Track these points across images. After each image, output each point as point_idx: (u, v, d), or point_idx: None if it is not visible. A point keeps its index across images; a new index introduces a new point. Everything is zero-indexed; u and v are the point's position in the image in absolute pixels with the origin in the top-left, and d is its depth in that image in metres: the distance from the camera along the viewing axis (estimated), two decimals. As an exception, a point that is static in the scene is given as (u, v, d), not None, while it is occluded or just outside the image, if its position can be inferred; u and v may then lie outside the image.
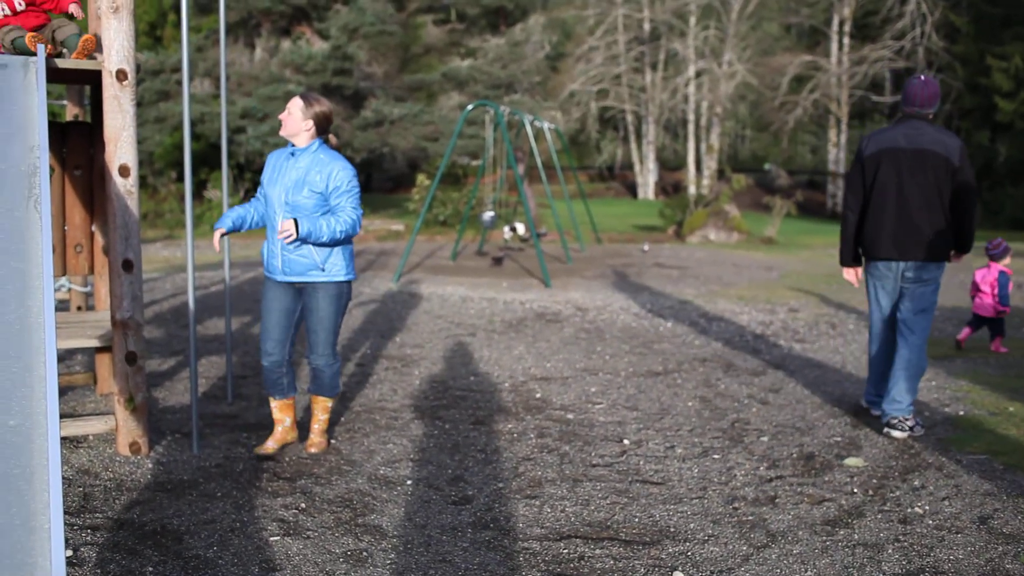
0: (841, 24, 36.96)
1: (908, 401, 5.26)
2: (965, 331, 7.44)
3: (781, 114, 36.84)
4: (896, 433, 5.24)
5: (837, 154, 38.32)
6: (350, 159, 20.18)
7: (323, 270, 4.58)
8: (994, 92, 30.39)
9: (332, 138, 4.76)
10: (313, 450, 4.82)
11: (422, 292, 11.11)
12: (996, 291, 7.38)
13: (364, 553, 3.57)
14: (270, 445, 4.79)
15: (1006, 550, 3.65)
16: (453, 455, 4.82)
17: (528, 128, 15.50)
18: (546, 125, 18.08)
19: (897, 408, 5.26)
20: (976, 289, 7.56)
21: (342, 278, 4.63)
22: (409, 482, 4.39)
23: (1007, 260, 7.57)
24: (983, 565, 3.51)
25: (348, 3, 26.68)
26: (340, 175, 4.53)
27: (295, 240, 4.46)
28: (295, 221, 4.40)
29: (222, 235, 4.72)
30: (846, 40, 37.07)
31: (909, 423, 5.27)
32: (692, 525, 3.89)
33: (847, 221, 5.50)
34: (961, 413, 5.76)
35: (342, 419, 5.49)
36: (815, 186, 42.28)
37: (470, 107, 13.43)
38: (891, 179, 5.27)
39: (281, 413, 4.86)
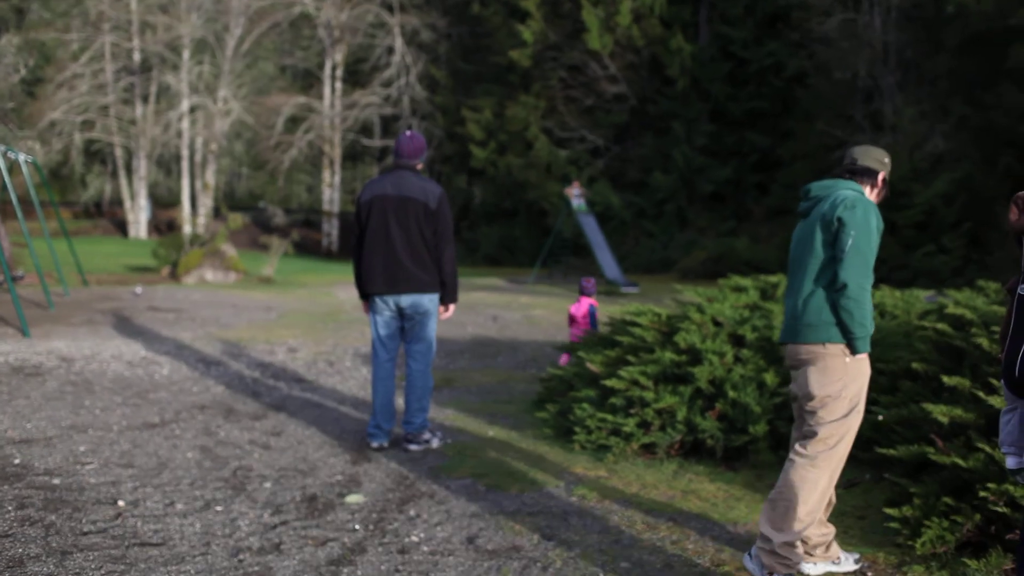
0: (334, 69, 38.49)
1: (421, 419, 6.03)
2: (564, 357, 8.07)
3: (277, 153, 37.31)
4: (414, 447, 5.98)
5: (332, 194, 39.71)
6: None
7: None
8: (469, 140, 33.57)
9: None
10: None
11: None
12: (588, 322, 8.14)
13: None
14: None
15: (491, 566, 4.01)
16: (-91, 540, 4.17)
17: (0, 160, 14.01)
18: (22, 157, 16.48)
19: (412, 426, 6.00)
20: (572, 320, 8.29)
21: None
22: None
23: (593, 295, 8.42)
24: (470, 584, 3.82)
25: None
26: None
27: None
28: None
29: None
30: (338, 84, 38.66)
31: (425, 437, 6.04)
32: (194, 585, 3.76)
33: (354, 261, 6.10)
34: (449, 441, 6.24)
35: None
36: (311, 225, 43.36)
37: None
38: (381, 223, 5.88)
39: None
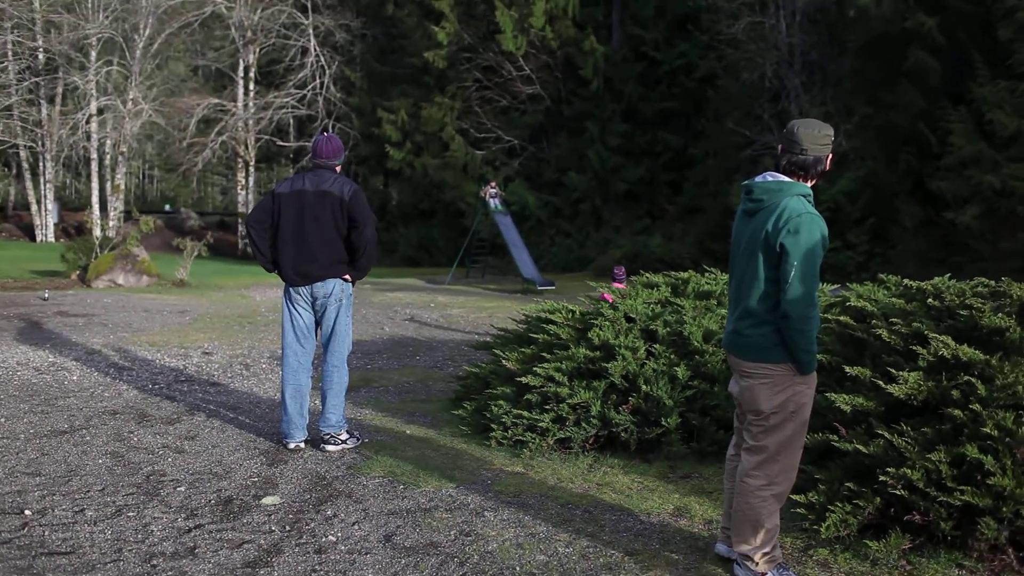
0: (247, 70, 37.92)
1: (338, 416, 5.98)
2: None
3: (190, 155, 36.62)
4: (331, 447, 5.92)
5: (246, 196, 39.11)
6: None
7: None
8: (385, 142, 33.41)
9: None
10: None
11: None
12: None
13: None
14: None
15: (408, 562, 4.04)
16: None
17: None
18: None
19: (328, 425, 5.96)
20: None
21: None
22: None
23: (624, 282, 8.36)
24: (387, 581, 3.85)
25: None
26: None
27: None
28: None
29: None
30: (252, 86, 38.10)
31: (343, 437, 5.99)
32: (106, 591, 3.71)
33: (261, 248, 6.10)
34: (367, 440, 6.23)
35: None
36: (226, 227, 42.68)
37: None
38: (296, 217, 5.93)
39: None
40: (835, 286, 7.63)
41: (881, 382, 4.56)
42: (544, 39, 30.20)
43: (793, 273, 3.54)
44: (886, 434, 4.24)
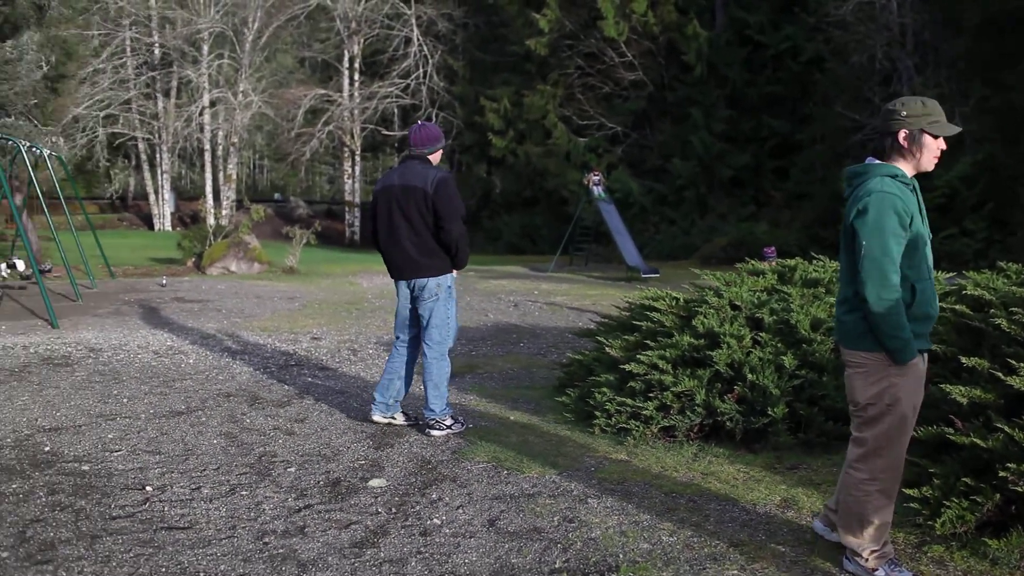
0: (351, 60, 38.56)
1: (440, 406, 6.05)
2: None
3: (298, 145, 37.47)
4: (436, 432, 6.03)
5: (353, 184, 39.83)
6: None
7: None
8: (488, 130, 33.58)
9: None
10: None
11: (-102, 341, 9.67)
12: None
13: None
14: None
15: (511, 547, 4.07)
16: (-55, 526, 4.28)
17: (25, 155, 14.19)
18: (46, 151, 16.68)
19: (431, 413, 6.05)
20: None
21: None
22: None
23: (773, 261, 8.36)
24: (493, 563, 3.89)
25: None
26: None
27: None
28: None
29: None
30: (357, 76, 38.73)
31: (447, 422, 6.08)
32: (223, 567, 3.84)
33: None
34: (471, 426, 6.30)
35: None
36: (333, 215, 43.55)
37: (-48, 131, 12.00)
38: (386, 213, 6.02)
39: None
40: (951, 274, 7.37)
41: (1000, 374, 4.39)
42: (646, 24, 29.90)
43: (863, 254, 3.44)
44: (1006, 428, 4.08)
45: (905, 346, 3.49)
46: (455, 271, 6.15)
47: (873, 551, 3.68)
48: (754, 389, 5.62)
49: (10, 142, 14.13)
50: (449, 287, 6.10)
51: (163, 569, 3.81)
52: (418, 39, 36.38)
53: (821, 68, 26.80)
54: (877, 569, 3.67)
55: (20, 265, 14.00)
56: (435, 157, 6.12)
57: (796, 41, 27.92)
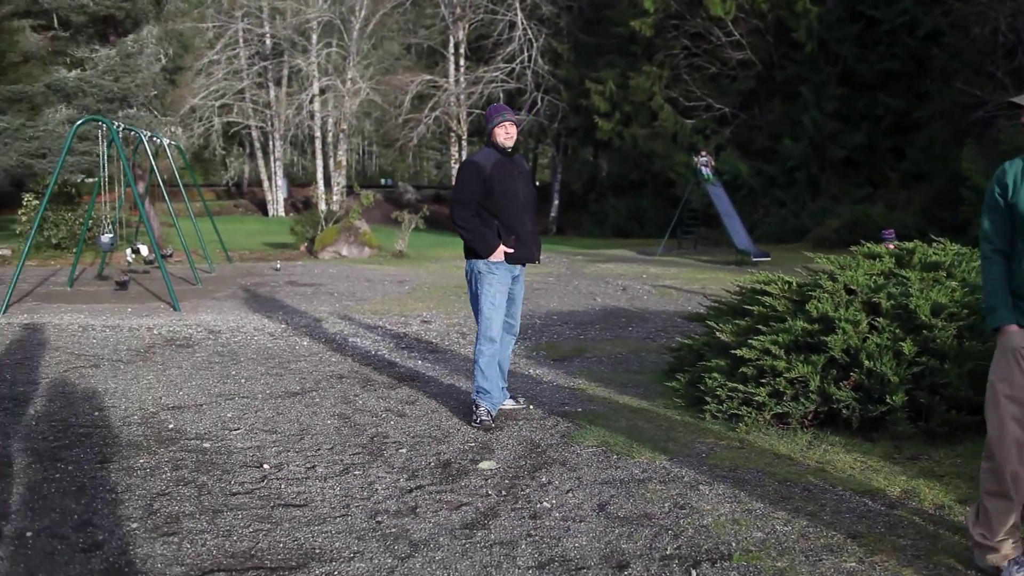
0: (457, 46, 38.78)
1: (476, 385, 5.97)
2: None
3: (405, 131, 37.91)
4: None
5: (459, 170, 40.01)
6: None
7: None
8: (594, 113, 33.34)
9: None
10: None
11: (35, 322, 10.16)
12: None
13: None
14: None
15: (621, 532, 4.05)
16: (79, 499, 4.48)
17: (146, 144, 14.73)
18: (166, 141, 17.28)
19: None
20: None
21: None
22: (28, 534, 4.03)
23: (892, 242, 8.29)
24: (603, 548, 3.88)
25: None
26: None
27: None
28: None
29: None
30: (462, 61, 38.95)
31: (478, 407, 5.92)
32: (337, 544, 3.93)
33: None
34: (579, 410, 6.30)
35: (-58, 472, 4.90)
36: (441, 200, 43.93)
37: (79, 122, 12.53)
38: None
39: None
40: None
41: None
42: (753, 2, 29.16)
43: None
44: None
45: (991, 314, 3.50)
46: (489, 257, 5.90)
47: (985, 540, 3.51)
48: (871, 376, 5.45)
49: (132, 132, 14.68)
50: (479, 273, 5.94)
51: (280, 545, 3.92)
52: (522, 23, 36.32)
53: (939, 42, 25.69)
54: (1006, 561, 3.50)
55: (144, 250, 14.57)
56: (494, 136, 5.99)
57: (913, 15, 26.79)
